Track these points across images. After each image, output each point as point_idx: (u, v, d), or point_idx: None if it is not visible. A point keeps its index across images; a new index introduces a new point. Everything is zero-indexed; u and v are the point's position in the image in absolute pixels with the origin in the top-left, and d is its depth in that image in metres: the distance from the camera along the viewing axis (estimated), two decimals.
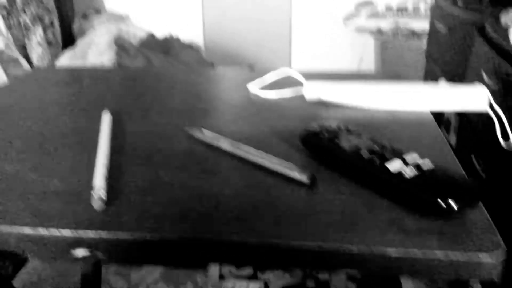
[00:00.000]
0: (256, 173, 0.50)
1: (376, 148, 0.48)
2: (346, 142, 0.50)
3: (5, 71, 2.13)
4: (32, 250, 0.42)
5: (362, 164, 0.47)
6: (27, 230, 0.41)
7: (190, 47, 2.53)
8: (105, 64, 2.13)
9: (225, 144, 0.54)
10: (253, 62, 3.01)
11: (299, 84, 0.74)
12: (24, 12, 2.32)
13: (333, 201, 0.44)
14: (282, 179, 0.48)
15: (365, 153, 0.47)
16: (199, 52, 2.68)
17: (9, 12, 2.27)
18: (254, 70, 0.84)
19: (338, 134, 0.52)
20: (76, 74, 0.90)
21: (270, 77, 0.78)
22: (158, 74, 0.90)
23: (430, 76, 2.02)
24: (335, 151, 0.50)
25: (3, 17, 2.21)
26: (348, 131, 0.53)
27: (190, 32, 2.93)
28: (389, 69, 2.44)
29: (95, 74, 0.90)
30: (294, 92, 0.73)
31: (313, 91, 0.70)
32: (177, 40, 2.54)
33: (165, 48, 2.42)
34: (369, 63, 2.78)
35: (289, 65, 3.06)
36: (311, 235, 0.39)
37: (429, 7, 2.40)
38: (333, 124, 0.54)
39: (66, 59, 2.25)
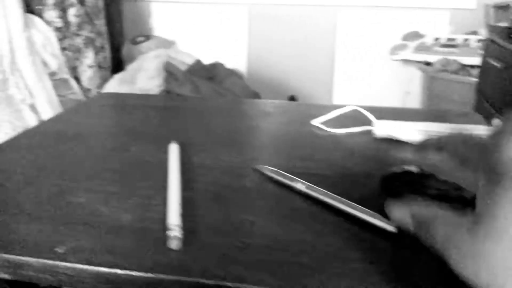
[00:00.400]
0: (336, 219, 0.47)
1: (463, 194, 0.45)
2: (433, 190, 0.47)
3: (56, 92, 2.17)
4: None
5: None
6: (105, 271, 0.39)
7: (235, 74, 2.54)
8: (153, 90, 2.16)
9: (299, 185, 0.52)
10: (294, 94, 3.00)
11: (363, 120, 0.71)
12: (78, 35, 2.38)
13: (420, 251, 0.41)
14: (362, 225, 0.45)
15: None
16: (243, 79, 2.69)
17: (64, 34, 2.33)
18: (297, 100, 0.83)
19: (422, 180, 0.49)
20: (137, 101, 0.90)
21: (335, 113, 0.76)
22: (219, 105, 0.89)
23: (480, 113, 1.97)
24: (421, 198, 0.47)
25: (58, 39, 2.27)
26: (433, 176, 0.50)
27: (234, 60, 2.95)
28: (436, 103, 2.38)
29: (156, 102, 0.90)
30: (361, 129, 0.70)
31: (383, 128, 0.67)
32: (223, 66, 2.56)
33: (211, 74, 2.44)
34: (415, 97, 2.73)
35: (331, 98, 3.04)
36: None
37: (481, 42, 2.35)
38: (416, 169, 0.51)
39: (116, 83, 2.28)
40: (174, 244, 0.41)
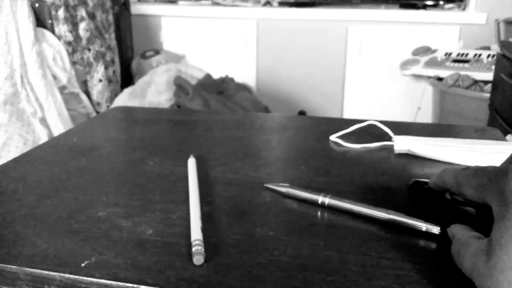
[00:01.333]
0: (364, 229, 0.46)
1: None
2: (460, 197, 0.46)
3: (66, 105, 2.19)
4: None
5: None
6: (129, 286, 0.38)
7: (245, 89, 2.55)
8: (163, 104, 2.16)
9: (322, 198, 0.51)
10: (304, 108, 3.01)
11: (380, 135, 0.71)
12: (88, 49, 2.39)
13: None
14: (396, 231, 0.44)
15: None
16: (253, 93, 2.70)
17: (74, 48, 2.35)
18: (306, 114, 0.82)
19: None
20: (149, 115, 0.90)
21: (353, 128, 0.76)
22: (232, 119, 0.89)
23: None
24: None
25: (68, 53, 2.28)
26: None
27: (243, 74, 2.96)
28: (448, 119, 2.37)
29: (169, 116, 0.89)
30: (380, 144, 0.70)
31: (404, 143, 0.66)
32: (232, 81, 2.57)
33: (221, 88, 2.45)
34: (426, 112, 2.72)
35: (341, 113, 3.03)
36: None
37: (493, 57, 2.35)
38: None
39: (126, 97, 2.30)
40: (197, 260, 0.41)
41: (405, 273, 0.40)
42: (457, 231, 0.40)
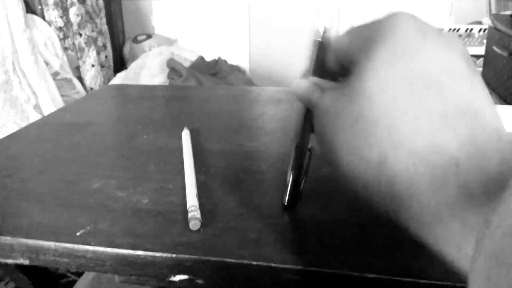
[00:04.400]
0: None
1: None
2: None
3: (60, 91, 2.17)
4: (128, 273, 0.39)
5: None
6: (126, 253, 0.38)
7: (238, 70, 2.54)
8: (157, 85, 2.15)
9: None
10: None
11: None
12: (79, 34, 2.37)
13: None
14: None
15: None
16: (246, 74, 2.68)
17: (65, 34, 2.33)
18: None
19: None
20: (143, 92, 0.89)
21: None
22: (226, 93, 0.88)
23: None
24: None
25: (59, 39, 2.26)
26: None
27: (236, 56, 2.95)
28: None
29: (163, 92, 0.89)
30: None
31: None
32: (225, 62, 2.55)
33: (214, 70, 2.44)
34: None
35: None
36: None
37: (485, 31, 2.34)
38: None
39: (119, 81, 2.28)
40: (194, 225, 0.41)
41: None
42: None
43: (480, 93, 0.25)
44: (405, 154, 0.23)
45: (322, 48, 0.34)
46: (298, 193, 0.44)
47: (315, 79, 0.34)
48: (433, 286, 0.34)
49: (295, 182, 0.42)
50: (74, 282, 1.13)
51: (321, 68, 0.34)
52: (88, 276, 0.99)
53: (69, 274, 1.23)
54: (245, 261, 0.37)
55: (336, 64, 0.33)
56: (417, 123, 0.24)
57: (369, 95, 0.25)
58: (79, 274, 1.06)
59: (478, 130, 0.23)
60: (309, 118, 0.36)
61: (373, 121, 0.25)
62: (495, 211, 0.19)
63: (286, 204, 0.44)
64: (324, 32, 0.34)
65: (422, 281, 0.34)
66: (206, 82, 2.15)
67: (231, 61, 2.68)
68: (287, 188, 0.43)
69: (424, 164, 0.23)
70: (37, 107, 2.05)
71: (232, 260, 0.37)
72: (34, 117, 2.01)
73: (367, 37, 0.27)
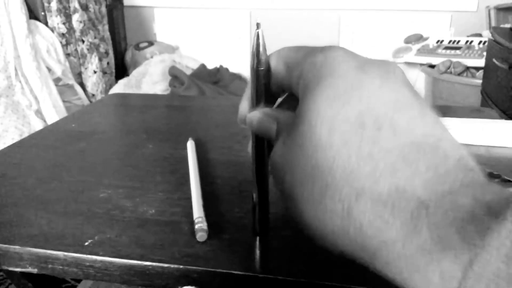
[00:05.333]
0: None
1: None
2: None
3: (61, 97, 2.18)
4: (136, 284, 0.40)
5: None
6: (134, 263, 0.39)
7: (240, 78, 2.55)
8: (161, 94, 2.16)
9: None
10: None
11: None
12: (82, 41, 2.38)
13: None
14: None
15: None
16: (247, 83, 2.70)
17: (68, 40, 2.34)
18: None
19: None
20: (147, 101, 0.90)
21: None
22: (228, 103, 0.89)
23: None
24: None
25: (62, 45, 2.27)
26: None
27: (237, 64, 2.96)
28: (440, 105, 2.38)
29: (166, 102, 0.90)
30: None
31: None
32: (227, 70, 2.56)
33: (215, 78, 2.45)
34: None
35: None
36: None
37: (485, 43, 2.36)
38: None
39: (120, 88, 2.29)
40: (201, 237, 0.41)
41: None
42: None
43: (434, 123, 0.24)
44: (369, 203, 0.22)
45: (261, 74, 0.33)
46: (267, 218, 0.42)
47: (266, 109, 0.33)
48: None
49: (262, 209, 0.41)
50: (74, 287, 1.13)
51: (264, 92, 0.34)
52: (87, 282, 1.00)
53: (69, 280, 1.23)
54: (252, 273, 0.37)
55: (277, 88, 0.33)
56: (375, 165, 0.22)
57: (320, 142, 0.24)
58: (79, 280, 1.07)
59: (440, 164, 0.22)
60: (261, 139, 0.37)
61: (329, 170, 0.23)
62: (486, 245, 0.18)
63: (257, 233, 0.42)
64: (260, 56, 0.33)
65: None
66: (208, 90, 2.16)
67: (233, 69, 2.69)
68: (255, 215, 0.41)
69: (389, 211, 0.22)
70: (38, 112, 2.06)
71: (239, 272, 0.37)
72: (36, 122, 2.01)
73: (308, 74, 0.27)
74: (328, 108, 0.24)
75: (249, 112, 0.34)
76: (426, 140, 0.23)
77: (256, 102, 0.34)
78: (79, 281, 1.06)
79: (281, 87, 0.32)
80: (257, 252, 0.40)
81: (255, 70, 0.33)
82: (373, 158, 0.22)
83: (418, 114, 0.24)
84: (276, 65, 0.31)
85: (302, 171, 0.24)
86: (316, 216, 0.24)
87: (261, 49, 0.33)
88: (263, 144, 0.37)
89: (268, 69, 0.32)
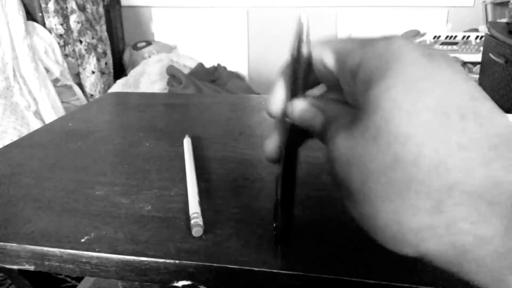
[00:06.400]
0: None
1: None
2: None
3: (60, 98, 2.18)
4: (132, 279, 0.40)
5: None
6: (130, 259, 0.39)
7: (237, 77, 2.55)
8: (158, 93, 2.16)
9: None
10: None
11: None
12: (80, 41, 2.38)
13: None
14: None
15: None
16: (245, 81, 2.70)
17: (66, 41, 2.34)
18: None
19: None
20: (144, 100, 0.90)
21: None
22: (225, 101, 0.89)
23: None
24: None
25: (60, 46, 2.27)
26: None
27: (235, 62, 2.96)
28: None
29: (163, 100, 0.90)
30: None
31: None
32: (225, 69, 2.57)
33: (213, 77, 2.45)
34: None
35: None
36: None
37: (481, 38, 2.36)
38: None
39: (119, 88, 2.29)
40: (196, 232, 0.42)
41: None
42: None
43: (505, 116, 0.22)
44: (465, 196, 0.20)
45: (303, 63, 0.31)
46: (291, 225, 0.39)
47: (311, 99, 0.31)
48: None
49: (288, 216, 0.38)
50: (74, 287, 1.13)
51: (303, 82, 0.32)
52: (88, 282, 1.00)
53: (69, 279, 1.24)
54: (247, 267, 0.38)
55: (314, 80, 0.31)
56: (467, 156, 0.20)
57: (399, 133, 0.21)
58: (79, 280, 1.07)
59: None
60: (296, 134, 0.34)
61: (413, 163, 0.21)
62: None
63: (281, 242, 0.40)
64: (302, 45, 0.31)
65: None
66: (206, 89, 2.17)
67: (230, 67, 2.69)
68: (278, 224, 0.38)
69: (486, 204, 0.20)
70: (37, 113, 2.06)
71: (234, 266, 0.38)
72: (34, 123, 2.02)
73: (371, 62, 0.25)
74: (405, 96, 0.22)
75: (287, 102, 0.32)
76: (510, 131, 0.21)
77: (294, 92, 0.32)
78: (79, 281, 1.06)
79: (324, 78, 0.30)
80: (252, 246, 0.40)
81: (297, 58, 0.31)
82: (464, 148, 0.21)
83: (492, 105, 0.22)
84: (320, 55, 0.29)
85: (377, 166, 0.22)
86: (394, 214, 0.22)
87: (304, 36, 0.31)
88: (297, 139, 0.34)
89: (309, 59, 0.31)
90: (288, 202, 0.36)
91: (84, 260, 0.40)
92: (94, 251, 0.40)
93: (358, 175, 0.23)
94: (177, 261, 0.38)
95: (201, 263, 0.38)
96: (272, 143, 0.34)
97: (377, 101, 0.23)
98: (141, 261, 0.39)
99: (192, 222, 0.42)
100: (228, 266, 0.38)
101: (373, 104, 0.23)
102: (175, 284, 0.39)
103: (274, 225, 0.38)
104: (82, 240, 0.41)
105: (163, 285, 0.40)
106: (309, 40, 0.31)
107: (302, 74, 0.31)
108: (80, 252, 0.40)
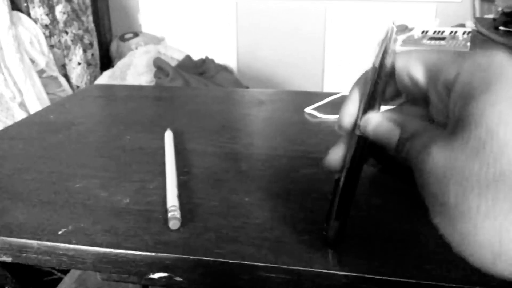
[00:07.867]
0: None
1: None
2: None
3: (45, 89, 2.16)
4: (109, 271, 0.40)
5: None
6: (107, 251, 0.39)
7: (226, 69, 2.54)
8: (143, 85, 2.15)
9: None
10: (285, 87, 3.01)
11: None
12: (66, 32, 2.36)
13: None
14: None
15: None
16: (234, 74, 2.69)
17: (51, 32, 2.32)
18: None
19: None
20: (128, 92, 0.90)
21: (328, 100, 0.77)
22: (211, 94, 0.89)
23: None
24: None
25: (45, 37, 2.25)
26: None
27: (224, 55, 2.95)
28: None
29: (148, 93, 0.90)
30: None
31: None
32: (213, 62, 2.56)
33: (201, 69, 2.44)
34: None
35: (322, 89, 3.05)
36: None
37: (469, 34, 2.37)
38: None
39: (105, 79, 2.28)
40: (173, 224, 0.42)
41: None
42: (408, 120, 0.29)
43: None
44: None
45: (384, 75, 0.30)
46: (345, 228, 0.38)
47: (388, 113, 0.30)
48: None
49: (344, 220, 0.37)
50: (59, 280, 1.13)
51: (381, 95, 0.31)
52: (74, 274, 1.00)
53: (55, 272, 1.23)
54: (222, 259, 0.38)
55: (395, 92, 0.31)
56: None
57: (505, 147, 0.21)
58: (65, 272, 1.07)
59: None
60: (363, 146, 0.33)
61: None
62: None
63: (332, 241, 0.38)
64: (387, 56, 0.30)
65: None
66: (193, 82, 2.16)
67: (219, 60, 2.68)
68: (333, 223, 0.37)
69: None
70: (22, 105, 2.04)
71: (210, 259, 0.38)
72: (20, 115, 2.00)
73: (472, 76, 0.24)
74: (510, 111, 0.22)
75: (362, 116, 0.31)
76: None
77: (370, 105, 0.31)
78: (65, 273, 1.06)
79: (408, 90, 0.30)
80: (229, 238, 0.41)
81: (379, 70, 0.30)
82: None
83: None
84: (407, 67, 0.29)
85: (480, 180, 0.22)
86: (496, 232, 0.21)
87: (391, 47, 0.30)
88: (365, 153, 0.33)
89: (391, 70, 0.30)
90: (344, 211, 0.36)
91: (61, 252, 0.40)
92: (71, 243, 0.40)
93: (457, 190, 0.23)
94: (153, 254, 0.39)
95: (177, 255, 0.39)
96: (336, 154, 0.34)
97: (481, 115, 0.22)
98: (118, 253, 0.39)
99: (169, 215, 0.42)
100: (204, 258, 0.38)
101: (476, 118, 0.22)
102: (152, 276, 0.40)
103: (325, 225, 0.37)
104: (60, 232, 0.42)
105: (140, 277, 0.40)
106: (394, 50, 0.30)
107: (382, 86, 0.30)
108: (57, 244, 0.40)
